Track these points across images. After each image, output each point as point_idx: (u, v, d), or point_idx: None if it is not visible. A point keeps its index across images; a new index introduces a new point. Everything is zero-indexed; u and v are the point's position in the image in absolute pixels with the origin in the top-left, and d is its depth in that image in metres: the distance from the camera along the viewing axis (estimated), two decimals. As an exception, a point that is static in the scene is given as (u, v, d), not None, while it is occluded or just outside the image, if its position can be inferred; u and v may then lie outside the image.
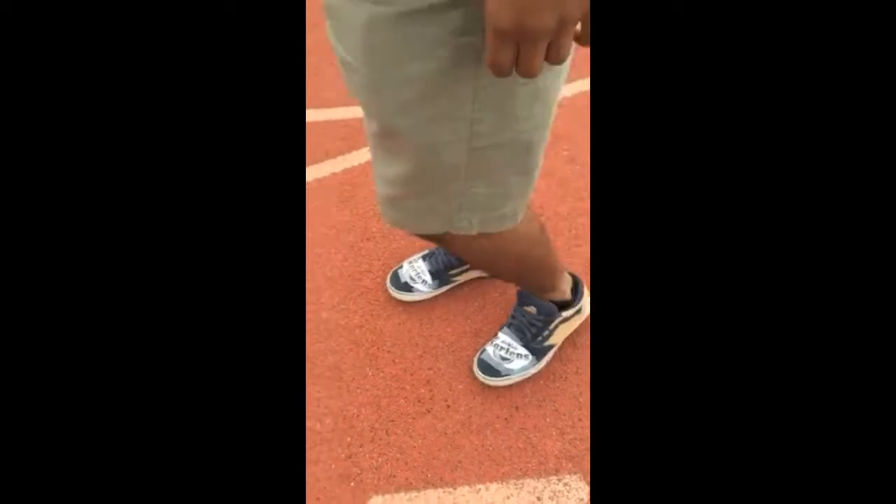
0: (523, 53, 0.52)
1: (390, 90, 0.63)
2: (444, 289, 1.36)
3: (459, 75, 0.61)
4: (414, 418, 1.15)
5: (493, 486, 1.05)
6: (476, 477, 1.06)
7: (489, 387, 1.19)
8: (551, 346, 1.20)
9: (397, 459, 1.10)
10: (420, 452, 1.10)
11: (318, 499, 1.05)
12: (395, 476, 1.08)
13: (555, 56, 0.52)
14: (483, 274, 1.38)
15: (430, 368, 1.23)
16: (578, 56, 1.92)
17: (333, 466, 1.09)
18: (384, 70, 0.62)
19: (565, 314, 1.18)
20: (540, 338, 1.18)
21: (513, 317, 1.21)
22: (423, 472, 1.08)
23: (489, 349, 1.20)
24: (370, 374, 1.23)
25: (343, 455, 1.11)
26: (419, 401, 1.18)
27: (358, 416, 1.16)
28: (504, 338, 1.20)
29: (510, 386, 1.19)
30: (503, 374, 1.17)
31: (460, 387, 1.20)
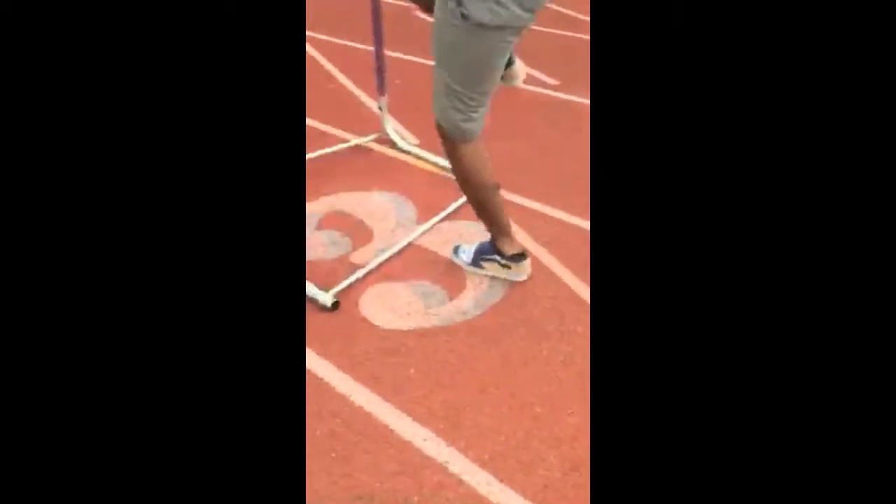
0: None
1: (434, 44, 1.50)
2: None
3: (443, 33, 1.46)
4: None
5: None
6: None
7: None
8: (483, 269, 1.84)
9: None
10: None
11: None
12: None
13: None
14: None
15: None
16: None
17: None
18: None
19: (491, 257, 1.80)
20: (481, 256, 1.83)
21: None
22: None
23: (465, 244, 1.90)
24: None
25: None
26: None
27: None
28: (475, 244, 1.87)
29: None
30: (458, 254, 1.88)
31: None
